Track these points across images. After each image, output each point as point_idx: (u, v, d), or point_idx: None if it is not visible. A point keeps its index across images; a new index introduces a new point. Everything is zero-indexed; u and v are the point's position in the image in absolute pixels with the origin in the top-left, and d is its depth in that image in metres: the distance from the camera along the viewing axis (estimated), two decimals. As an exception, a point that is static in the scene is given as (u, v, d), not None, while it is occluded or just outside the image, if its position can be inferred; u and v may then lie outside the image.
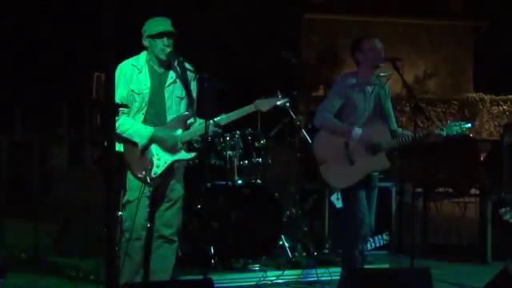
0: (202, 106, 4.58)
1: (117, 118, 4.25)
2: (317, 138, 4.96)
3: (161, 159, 4.45)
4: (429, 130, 4.75)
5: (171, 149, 4.47)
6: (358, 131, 4.71)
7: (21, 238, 6.68)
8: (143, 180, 4.40)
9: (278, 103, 4.65)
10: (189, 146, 4.67)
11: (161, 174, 4.45)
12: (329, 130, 4.81)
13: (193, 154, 4.61)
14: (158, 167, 4.44)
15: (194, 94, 4.60)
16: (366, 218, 4.73)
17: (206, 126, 4.20)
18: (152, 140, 4.42)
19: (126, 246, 4.42)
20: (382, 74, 4.87)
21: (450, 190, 7.41)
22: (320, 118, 4.81)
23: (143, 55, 4.53)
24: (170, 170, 4.51)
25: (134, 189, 4.43)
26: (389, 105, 4.93)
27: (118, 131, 4.30)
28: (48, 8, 14.15)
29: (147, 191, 4.44)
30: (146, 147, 4.43)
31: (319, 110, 4.85)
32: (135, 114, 4.45)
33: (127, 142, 4.41)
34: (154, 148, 4.45)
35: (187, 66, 4.51)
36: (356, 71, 4.86)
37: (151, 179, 4.40)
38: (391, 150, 4.85)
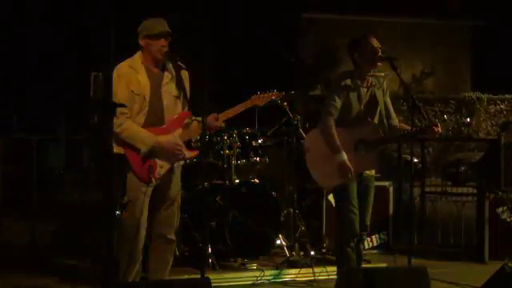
0: (197, 105, 4.59)
1: (121, 122, 4.27)
2: (309, 135, 4.95)
3: (163, 159, 4.45)
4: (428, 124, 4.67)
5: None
6: (341, 158, 4.65)
7: (18, 237, 6.69)
8: (146, 181, 4.39)
9: (274, 98, 4.78)
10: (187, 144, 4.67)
11: (163, 174, 4.46)
12: (323, 138, 4.77)
13: (194, 153, 4.61)
14: (161, 167, 4.44)
15: (189, 93, 4.61)
16: (357, 217, 4.70)
17: (203, 125, 4.19)
18: (154, 147, 4.41)
19: (127, 246, 4.42)
20: (378, 75, 4.85)
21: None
22: (324, 123, 4.72)
23: (138, 56, 4.53)
24: (170, 169, 4.52)
25: (135, 189, 4.43)
26: (388, 102, 4.90)
27: (122, 135, 4.31)
28: (46, 7, 14.16)
29: (148, 191, 4.44)
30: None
31: (324, 112, 4.74)
32: (136, 115, 4.44)
33: (130, 145, 4.40)
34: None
35: (182, 65, 4.53)
36: (351, 70, 4.84)
37: (154, 179, 4.41)
38: (377, 147, 4.77)
